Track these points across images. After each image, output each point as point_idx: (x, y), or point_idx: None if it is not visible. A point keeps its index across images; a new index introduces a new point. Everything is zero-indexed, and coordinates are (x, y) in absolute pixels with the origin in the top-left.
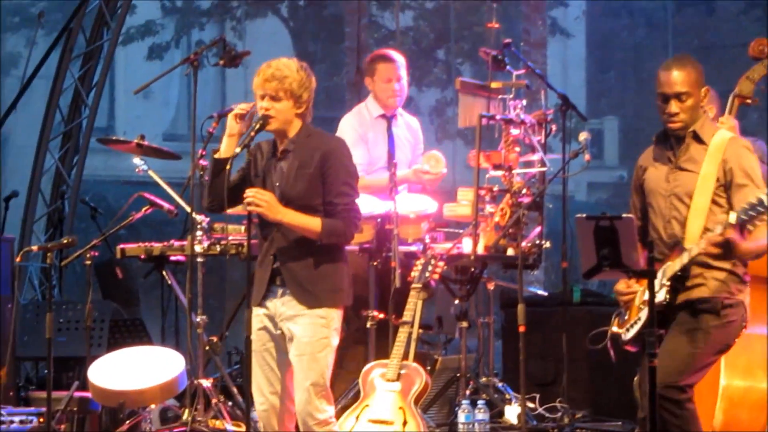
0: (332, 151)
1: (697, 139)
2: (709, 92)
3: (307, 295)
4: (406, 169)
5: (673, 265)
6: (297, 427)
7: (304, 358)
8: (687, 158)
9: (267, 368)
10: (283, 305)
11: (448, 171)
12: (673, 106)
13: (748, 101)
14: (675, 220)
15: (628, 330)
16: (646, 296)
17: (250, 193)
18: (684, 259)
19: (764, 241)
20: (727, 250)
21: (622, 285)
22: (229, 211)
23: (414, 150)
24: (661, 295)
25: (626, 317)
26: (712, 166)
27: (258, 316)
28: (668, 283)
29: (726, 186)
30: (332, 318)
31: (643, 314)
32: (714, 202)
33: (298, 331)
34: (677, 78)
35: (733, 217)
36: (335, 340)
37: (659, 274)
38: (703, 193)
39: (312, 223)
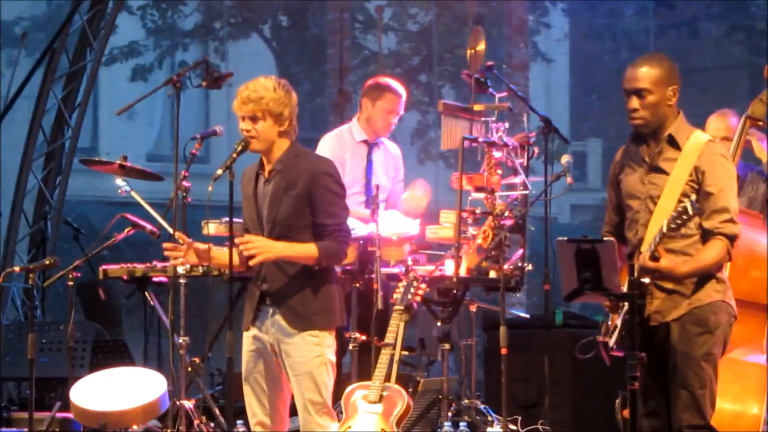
0: (320, 173)
1: (672, 142)
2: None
3: (299, 318)
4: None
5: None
6: None
7: (301, 377)
8: (661, 161)
9: (259, 389)
10: (272, 326)
11: (431, 193)
12: (633, 102)
13: (761, 123)
14: (646, 223)
15: (611, 336)
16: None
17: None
18: (636, 269)
19: (709, 260)
20: (657, 274)
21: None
22: (212, 232)
23: (393, 178)
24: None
25: (609, 323)
26: (683, 170)
27: (248, 338)
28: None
29: (698, 189)
30: (324, 337)
31: (619, 321)
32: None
33: (291, 352)
34: (638, 74)
35: (664, 226)
36: (331, 357)
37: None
38: (669, 196)
39: (308, 250)
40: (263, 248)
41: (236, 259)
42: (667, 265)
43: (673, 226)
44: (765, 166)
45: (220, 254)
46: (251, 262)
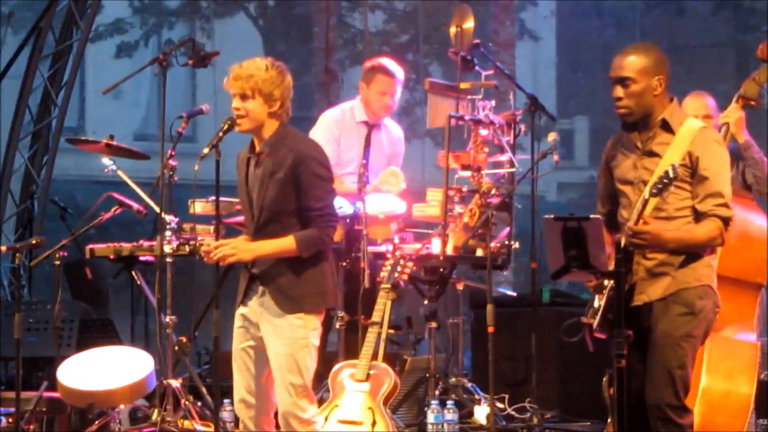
0: (304, 156)
1: (666, 127)
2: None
3: (288, 300)
4: (374, 178)
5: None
6: (277, 427)
7: (283, 358)
8: (654, 145)
9: (244, 368)
10: (261, 305)
11: (417, 171)
12: (618, 91)
13: (752, 103)
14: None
15: (594, 317)
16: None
17: (215, 252)
18: (622, 240)
19: (699, 235)
20: (644, 242)
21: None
22: (199, 211)
23: (391, 159)
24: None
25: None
26: (676, 154)
27: (238, 315)
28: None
29: (692, 173)
30: (310, 320)
31: (602, 302)
32: (676, 186)
33: (275, 332)
34: (623, 62)
35: (646, 192)
36: (315, 341)
37: None
38: None
39: (286, 244)
40: (236, 250)
41: None
42: (654, 228)
43: (654, 191)
44: (742, 147)
45: None
46: (223, 263)
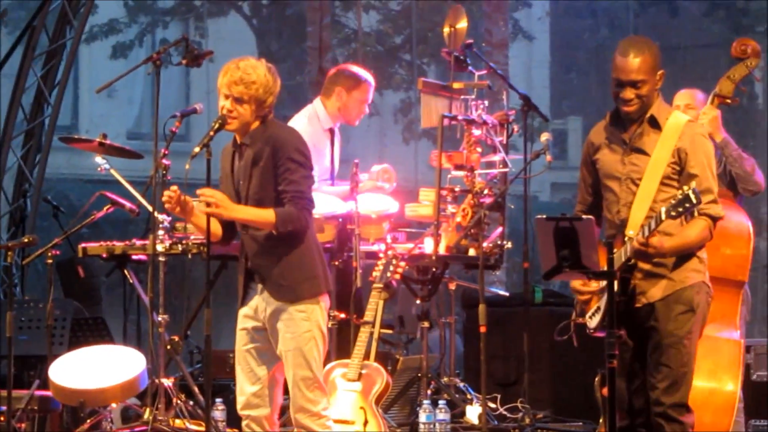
0: (282, 142)
1: (653, 123)
2: (696, 95)
3: (284, 290)
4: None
5: (619, 256)
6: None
7: (290, 353)
8: (642, 142)
9: (248, 369)
10: (263, 301)
11: (411, 171)
12: (629, 92)
13: (728, 101)
14: (628, 204)
15: (591, 318)
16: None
17: (207, 193)
18: (627, 250)
19: (692, 238)
20: (649, 255)
21: (577, 282)
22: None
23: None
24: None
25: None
26: (664, 151)
27: (240, 316)
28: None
29: (680, 170)
30: (313, 310)
31: (602, 303)
32: (664, 184)
33: (281, 327)
34: (634, 65)
35: (663, 213)
36: (322, 329)
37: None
38: (652, 177)
39: (265, 214)
40: (221, 203)
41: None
42: (656, 243)
43: (673, 213)
44: (719, 145)
45: (200, 219)
46: (203, 210)
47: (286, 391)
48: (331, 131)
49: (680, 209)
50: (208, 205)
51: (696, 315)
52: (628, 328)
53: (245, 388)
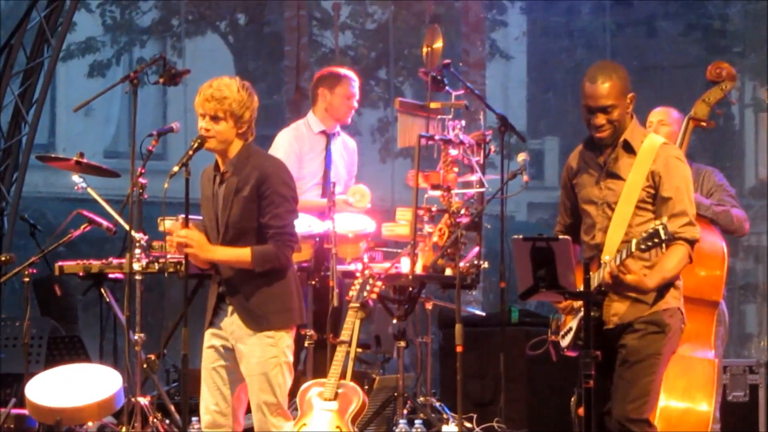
0: (269, 175)
1: (627, 147)
2: (670, 113)
3: (256, 318)
4: (340, 188)
5: (594, 278)
6: None
7: (255, 378)
8: (617, 166)
9: (214, 387)
10: (232, 324)
11: (387, 190)
12: (600, 118)
13: (703, 124)
14: (603, 228)
15: (563, 337)
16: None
17: (182, 234)
18: (602, 275)
19: (671, 268)
20: (623, 285)
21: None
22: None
23: (349, 170)
24: None
25: (562, 322)
26: (639, 174)
27: (207, 335)
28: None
29: (655, 194)
30: (281, 337)
31: (574, 323)
32: (640, 208)
33: (246, 351)
34: (603, 91)
35: (633, 245)
36: (288, 357)
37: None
38: (627, 201)
39: (241, 255)
40: (198, 246)
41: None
42: (634, 280)
43: (643, 247)
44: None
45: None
46: (178, 251)
47: (248, 410)
48: (327, 135)
49: (649, 243)
50: (186, 246)
51: (666, 336)
52: (599, 348)
53: (210, 406)
